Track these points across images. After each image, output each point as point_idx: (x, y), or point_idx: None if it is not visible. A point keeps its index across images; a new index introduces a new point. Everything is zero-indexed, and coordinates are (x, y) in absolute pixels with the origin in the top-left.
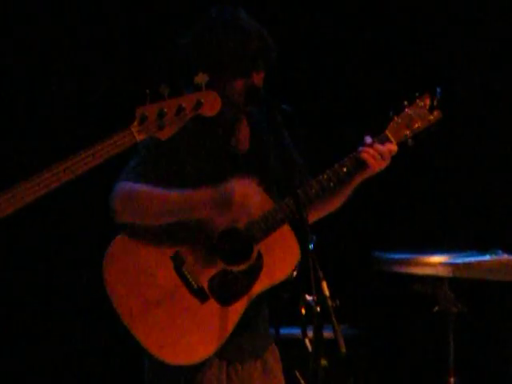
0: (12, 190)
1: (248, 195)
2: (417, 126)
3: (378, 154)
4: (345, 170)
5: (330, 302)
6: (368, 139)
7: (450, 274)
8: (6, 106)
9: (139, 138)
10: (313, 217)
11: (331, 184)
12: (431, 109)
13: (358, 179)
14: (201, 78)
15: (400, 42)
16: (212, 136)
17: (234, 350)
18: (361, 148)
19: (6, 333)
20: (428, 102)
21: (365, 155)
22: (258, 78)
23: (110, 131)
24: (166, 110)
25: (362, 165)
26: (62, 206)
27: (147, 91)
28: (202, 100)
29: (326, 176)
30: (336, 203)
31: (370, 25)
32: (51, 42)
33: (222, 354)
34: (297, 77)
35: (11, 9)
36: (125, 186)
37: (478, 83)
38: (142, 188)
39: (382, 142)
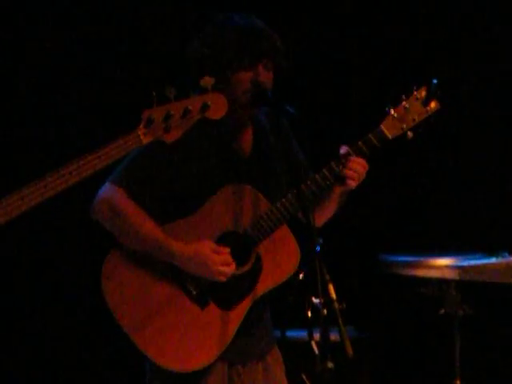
0: (18, 193)
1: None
2: (414, 118)
3: (355, 168)
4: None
5: (336, 305)
6: (343, 149)
7: (457, 277)
8: (11, 109)
9: (145, 140)
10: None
11: (327, 183)
12: (428, 100)
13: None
14: (207, 81)
15: (399, 38)
16: (215, 140)
17: (235, 352)
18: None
19: (6, 334)
20: (424, 93)
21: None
22: (265, 76)
23: (116, 134)
24: (172, 112)
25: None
26: (66, 209)
27: (153, 93)
28: (209, 102)
29: (321, 174)
30: (328, 210)
31: (370, 23)
32: (57, 44)
33: (224, 356)
34: (297, 77)
35: (14, 9)
36: (116, 197)
37: (482, 83)
38: (131, 210)
39: (357, 154)
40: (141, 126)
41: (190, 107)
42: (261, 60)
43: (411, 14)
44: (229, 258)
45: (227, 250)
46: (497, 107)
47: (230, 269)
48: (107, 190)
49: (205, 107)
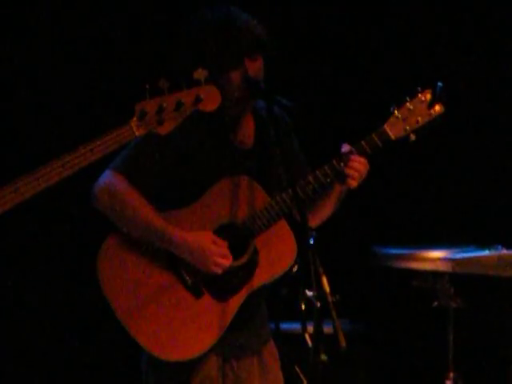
0: (11, 186)
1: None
2: (417, 120)
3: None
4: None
5: (330, 297)
6: (345, 147)
7: (450, 269)
8: (6, 102)
9: (138, 132)
10: (313, 220)
11: (328, 180)
12: (432, 103)
13: (339, 189)
14: (200, 74)
15: (403, 36)
16: (214, 132)
17: (230, 346)
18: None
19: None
20: (429, 96)
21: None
22: (253, 67)
23: (109, 126)
24: (165, 105)
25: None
26: (59, 202)
27: (147, 86)
28: (202, 95)
29: (322, 171)
30: (327, 208)
31: (372, 21)
32: (51, 38)
33: (218, 350)
34: (298, 71)
35: (12, 6)
36: (117, 183)
37: (479, 80)
38: (132, 196)
39: (359, 153)
40: (134, 119)
41: (182, 100)
42: (244, 55)
43: (419, 13)
44: (227, 252)
45: (225, 243)
46: (486, 102)
47: (227, 262)
48: (107, 177)
49: (198, 100)
